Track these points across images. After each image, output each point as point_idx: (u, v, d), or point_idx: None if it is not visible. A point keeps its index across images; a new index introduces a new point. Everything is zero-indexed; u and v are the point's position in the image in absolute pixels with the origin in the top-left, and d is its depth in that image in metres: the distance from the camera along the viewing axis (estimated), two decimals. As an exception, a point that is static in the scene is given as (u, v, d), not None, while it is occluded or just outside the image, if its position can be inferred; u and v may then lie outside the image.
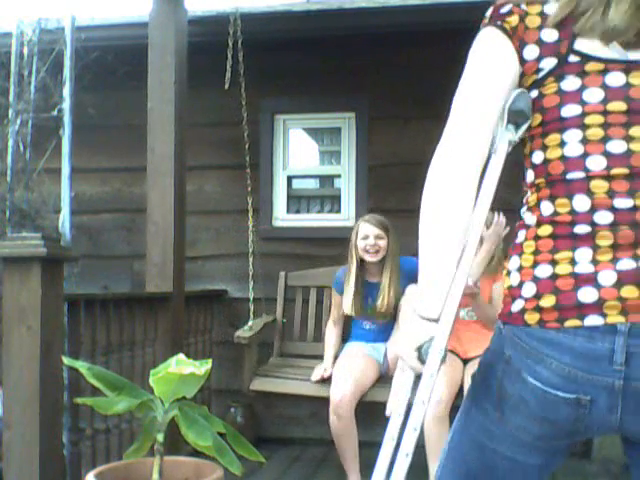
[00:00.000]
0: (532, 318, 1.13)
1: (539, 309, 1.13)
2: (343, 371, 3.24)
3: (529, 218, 1.20)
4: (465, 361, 3.24)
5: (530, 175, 1.22)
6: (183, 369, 2.07)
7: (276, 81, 4.27)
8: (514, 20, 1.19)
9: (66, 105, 3.45)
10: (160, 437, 2.20)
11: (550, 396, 1.12)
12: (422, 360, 1.18)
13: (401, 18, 3.93)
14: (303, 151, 4.65)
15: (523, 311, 1.15)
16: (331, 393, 3.14)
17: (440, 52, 4.14)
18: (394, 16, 3.92)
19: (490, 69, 1.20)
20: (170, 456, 2.39)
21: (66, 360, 2.33)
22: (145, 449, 2.34)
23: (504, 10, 1.21)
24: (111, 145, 4.44)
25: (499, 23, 1.20)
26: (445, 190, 1.16)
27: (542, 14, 1.18)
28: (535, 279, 1.14)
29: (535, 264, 1.15)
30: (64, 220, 3.40)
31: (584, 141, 1.13)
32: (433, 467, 2.95)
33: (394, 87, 4.18)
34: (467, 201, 1.15)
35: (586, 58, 1.14)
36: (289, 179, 4.43)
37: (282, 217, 4.40)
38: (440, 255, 1.16)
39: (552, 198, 1.16)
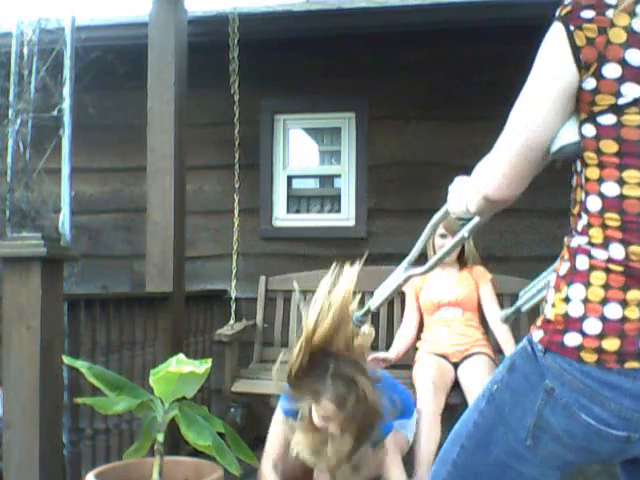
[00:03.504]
0: (590, 357, 1.12)
1: (600, 351, 1.11)
2: None
3: (596, 252, 1.14)
4: (455, 364, 3.24)
5: (595, 203, 1.15)
6: (183, 369, 2.07)
7: (276, 81, 4.27)
8: (592, 30, 1.10)
9: (66, 105, 3.45)
10: (160, 437, 2.20)
11: (603, 433, 1.13)
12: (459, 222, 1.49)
13: (401, 18, 3.93)
14: (303, 151, 4.65)
15: (580, 348, 1.12)
16: None
17: (440, 52, 4.15)
18: (394, 16, 3.92)
19: (543, 78, 1.15)
20: (170, 456, 2.39)
21: (66, 360, 2.33)
22: (145, 449, 2.34)
23: (585, 15, 1.11)
24: (111, 145, 4.44)
25: (571, 29, 1.11)
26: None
27: (629, 30, 1.09)
28: (603, 319, 1.11)
29: (605, 301, 1.12)
30: (64, 220, 3.40)
31: None
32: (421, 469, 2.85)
33: (394, 87, 4.18)
34: None
35: None
36: (289, 179, 4.43)
37: (282, 217, 4.40)
38: None
39: (625, 243, 1.12)
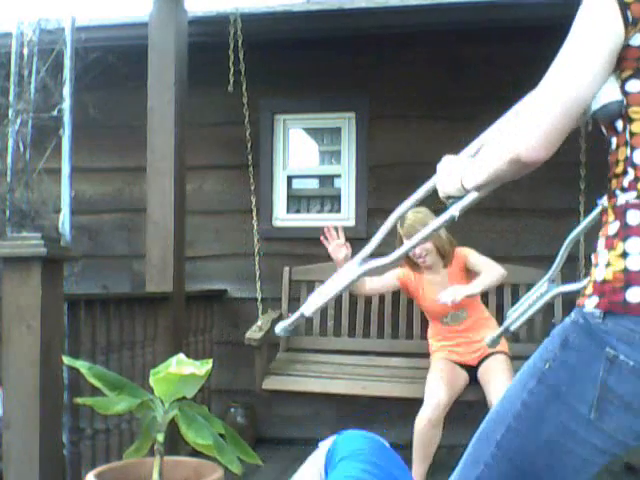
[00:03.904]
0: None
1: None
2: None
3: None
4: (471, 367, 3.21)
5: None
6: (183, 369, 2.08)
7: (276, 81, 4.27)
8: None
9: (66, 105, 3.45)
10: (160, 437, 2.20)
11: None
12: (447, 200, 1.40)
13: (401, 18, 3.93)
14: (303, 151, 4.65)
15: None
16: None
17: (440, 52, 4.16)
18: (394, 16, 3.92)
19: (591, 35, 1.13)
20: (170, 456, 2.39)
21: (66, 360, 2.33)
22: (145, 449, 2.34)
23: None
24: (111, 145, 4.44)
25: None
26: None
27: None
28: None
29: None
30: (64, 220, 3.40)
31: None
32: (418, 467, 2.91)
33: (394, 87, 4.19)
34: None
35: None
36: (289, 179, 4.43)
37: (282, 217, 4.40)
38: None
39: None
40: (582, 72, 1.11)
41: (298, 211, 4.50)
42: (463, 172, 1.31)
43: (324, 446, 2.01)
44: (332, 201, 4.46)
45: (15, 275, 2.25)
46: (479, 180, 1.27)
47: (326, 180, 4.55)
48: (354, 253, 3.99)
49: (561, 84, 1.12)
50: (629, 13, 1.11)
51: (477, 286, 3.08)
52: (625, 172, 1.17)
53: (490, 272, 3.13)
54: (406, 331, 3.93)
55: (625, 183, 1.16)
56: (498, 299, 3.87)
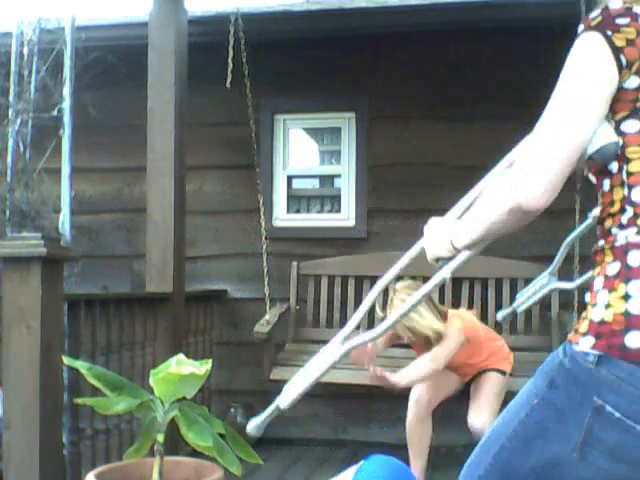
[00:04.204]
0: None
1: None
2: None
3: None
4: (470, 380, 3.16)
5: None
6: (183, 369, 2.07)
7: (276, 81, 4.27)
8: (631, 33, 1.13)
9: (66, 105, 3.45)
10: (160, 437, 2.19)
11: None
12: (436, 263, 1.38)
13: (401, 18, 3.93)
14: (303, 151, 4.65)
15: None
16: None
17: (440, 51, 4.16)
18: (394, 16, 3.92)
19: (589, 81, 1.14)
20: (170, 456, 2.39)
21: (66, 360, 2.33)
22: (145, 449, 2.34)
23: (621, 21, 1.14)
24: (111, 145, 4.44)
25: (609, 33, 1.13)
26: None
27: None
28: None
29: None
30: (64, 220, 3.40)
31: None
32: (415, 464, 3.01)
33: (394, 87, 4.19)
34: None
35: None
36: (289, 179, 4.43)
37: (282, 217, 4.40)
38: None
39: None
40: (582, 119, 1.12)
41: (298, 211, 4.50)
42: (452, 232, 1.31)
43: (354, 467, 2.23)
44: (332, 201, 4.46)
45: (15, 275, 2.25)
46: (474, 236, 1.26)
47: (326, 180, 4.55)
48: (350, 253, 3.94)
49: (562, 131, 1.12)
50: (622, 57, 1.12)
51: (403, 377, 2.86)
52: (623, 210, 1.16)
53: (427, 360, 2.88)
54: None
55: (624, 220, 1.15)
56: (497, 296, 3.89)
